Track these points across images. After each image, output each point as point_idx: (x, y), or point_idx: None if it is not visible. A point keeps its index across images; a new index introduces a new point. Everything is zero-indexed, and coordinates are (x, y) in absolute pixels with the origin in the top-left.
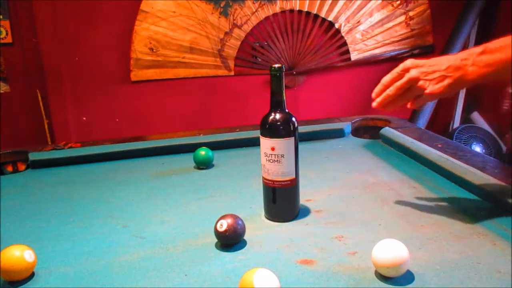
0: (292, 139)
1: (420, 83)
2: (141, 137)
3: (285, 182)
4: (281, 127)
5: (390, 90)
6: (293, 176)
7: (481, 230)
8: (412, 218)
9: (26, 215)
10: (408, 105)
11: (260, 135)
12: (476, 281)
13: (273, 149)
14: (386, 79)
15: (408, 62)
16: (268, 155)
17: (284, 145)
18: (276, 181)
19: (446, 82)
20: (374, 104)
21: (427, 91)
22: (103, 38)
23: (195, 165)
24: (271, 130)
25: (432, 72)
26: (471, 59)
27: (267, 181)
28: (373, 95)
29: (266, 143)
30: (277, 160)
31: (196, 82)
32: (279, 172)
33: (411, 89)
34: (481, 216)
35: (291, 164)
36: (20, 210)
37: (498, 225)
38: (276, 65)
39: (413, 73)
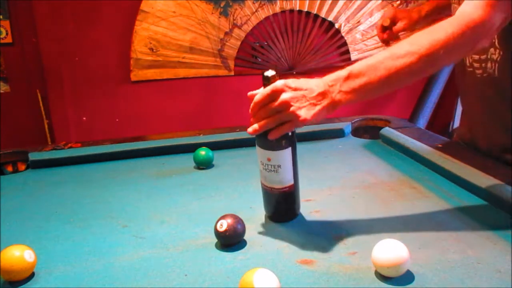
0: (289, 149)
1: (292, 108)
2: (141, 137)
3: (284, 189)
4: (277, 139)
5: (261, 112)
6: (291, 183)
7: (481, 230)
8: (412, 218)
9: (26, 215)
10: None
11: (256, 145)
12: (476, 281)
13: (269, 159)
14: (257, 99)
15: (280, 83)
16: (264, 164)
17: (281, 156)
18: (274, 188)
19: (316, 109)
20: (250, 130)
21: (301, 118)
22: (103, 38)
23: (195, 165)
24: (267, 142)
25: (302, 97)
26: (337, 84)
27: (265, 187)
28: (251, 113)
29: (262, 153)
30: (274, 170)
31: (196, 82)
32: (277, 180)
33: (281, 114)
34: (481, 216)
35: (288, 173)
36: (20, 210)
37: (498, 225)
38: (269, 73)
39: (284, 96)
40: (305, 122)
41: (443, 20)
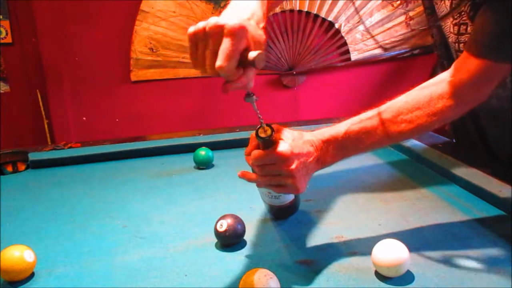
0: None
1: (295, 179)
2: (141, 137)
3: (284, 205)
4: None
5: (265, 170)
6: (292, 199)
7: (481, 230)
8: (412, 218)
9: (26, 215)
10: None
11: None
12: (476, 281)
13: (269, 193)
14: (261, 157)
15: (287, 151)
16: (264, 193)
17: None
18: (274, 205)
19: (308, 177)
20: (249, 180)
21: (298, 190)
22: (103, 38)
23: (195, 165)
24: None
25: (303, 166)
26: (331, 145)
27: (265, 201)
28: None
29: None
30: (275, 197)
31: (196, 82)
32: (277, 202)
33: (282, 179)
34: (481, 216)
35: (289, 195)
36: (20, 210)
37: (498, 225)
38: (265, 134)
39: (292, 167)
40: (298, 193)
41: (444, 78)
